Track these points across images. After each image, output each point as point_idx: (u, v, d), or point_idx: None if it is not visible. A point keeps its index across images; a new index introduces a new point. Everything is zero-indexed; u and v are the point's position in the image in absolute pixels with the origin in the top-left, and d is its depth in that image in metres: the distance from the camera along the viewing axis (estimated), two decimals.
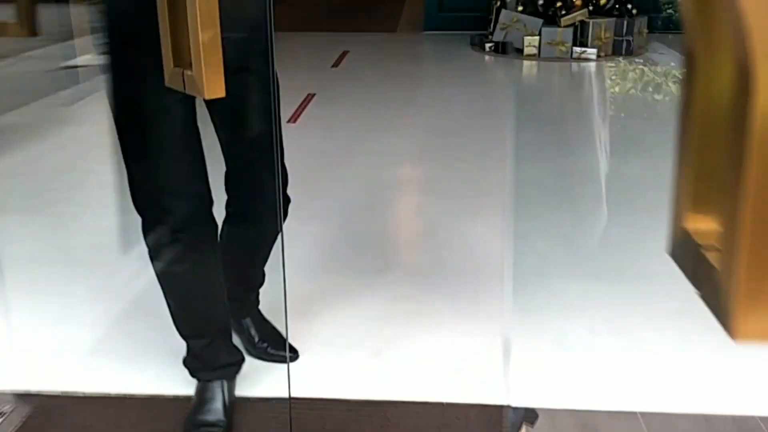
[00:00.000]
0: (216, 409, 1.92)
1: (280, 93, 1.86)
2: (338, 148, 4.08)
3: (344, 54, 6.45)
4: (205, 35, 1.29)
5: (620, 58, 6.31)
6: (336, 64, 6.12)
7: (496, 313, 2.42)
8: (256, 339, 2.17)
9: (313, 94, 5.06)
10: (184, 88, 1.35)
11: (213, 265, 1.87)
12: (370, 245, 2.95)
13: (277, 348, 2.17)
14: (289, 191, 2.05)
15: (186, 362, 1.98)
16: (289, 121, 4.50)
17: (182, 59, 1.35)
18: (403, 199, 3.45)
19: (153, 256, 1.82)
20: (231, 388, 1.98)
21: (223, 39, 1.67)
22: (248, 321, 2.18)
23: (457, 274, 2.69)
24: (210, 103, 1.78)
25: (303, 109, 4.73)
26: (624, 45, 6.43)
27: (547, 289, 2.56)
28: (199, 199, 1.79)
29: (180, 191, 1.76)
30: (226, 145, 1.88)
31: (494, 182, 3.58)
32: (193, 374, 1.98)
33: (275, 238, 2.07)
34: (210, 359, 1.95)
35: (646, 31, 6.68)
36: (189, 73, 1.32)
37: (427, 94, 5.40)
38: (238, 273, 2.10)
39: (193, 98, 1.69)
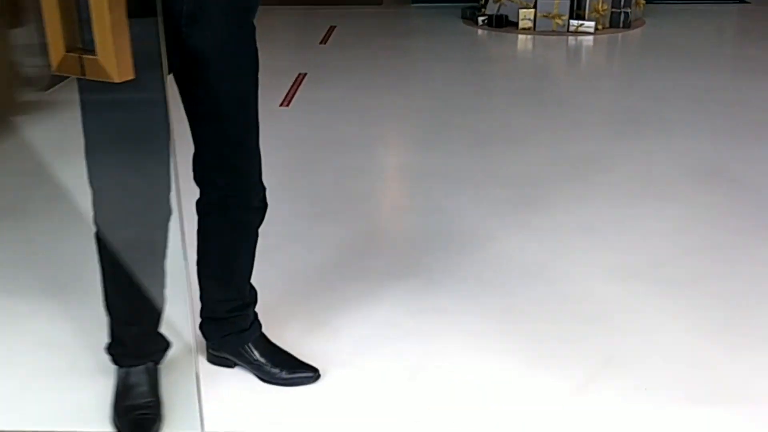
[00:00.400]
0: (143, 392, 1.80)
1: (260, 70, 1.75)
2: (337, 134, 3.82)
3: (331, 29, 6.14)
4: (114, 15, 1.21)
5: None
6: (324, 41, 5.82)
7: (523, 326, 2.21)
8: (267, 365, 1.93)
9: (305, 74, 4.77)
10: (83, 74, 1.27)
11: (161, 246, 1.71)
12: (385, 246, 2.71)
13: (293, 370, 1.94)
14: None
15: (110, 348, 1.84)
16: (281, 104, 4.22)
17: (74, 44, 1.26)
18: (414, 192, 3.20)
19: (100, 228, 1.68)
20: (157, 372, 1.87)
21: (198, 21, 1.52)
22: (250, 347, 1.95)
23: (481, 279, 2.47)
24: (180, 85, 1.68)
25: (295, 91, 4.45)
26: (622, 17, 6.21)
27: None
28: (158, 177, 1.63)
29: (141, 166, 1.61)
30: (195, 126, 1.74)
31: (506, 170, 3.35)
32: (116, 360, 1.84)
33: (256, 233, 1.90)
34: (137, 347, 1.84)
35: (643, 2, 6.46)
36: (90, 57, 1.24)
37: (421, 72, 5.13)
38: (222, 280, 1.91)
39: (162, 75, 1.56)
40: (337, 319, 2.21)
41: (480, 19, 6.34)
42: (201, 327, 1.98)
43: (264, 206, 1.86)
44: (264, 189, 1.84)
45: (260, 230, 1.90)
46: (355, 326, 2.17)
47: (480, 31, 6.25)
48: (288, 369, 1.92)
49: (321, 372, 1.94)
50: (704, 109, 4.20)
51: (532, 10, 6.12)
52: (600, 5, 6.13)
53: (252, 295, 1.97)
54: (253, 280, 1.96)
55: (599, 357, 2.04)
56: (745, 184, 3.18)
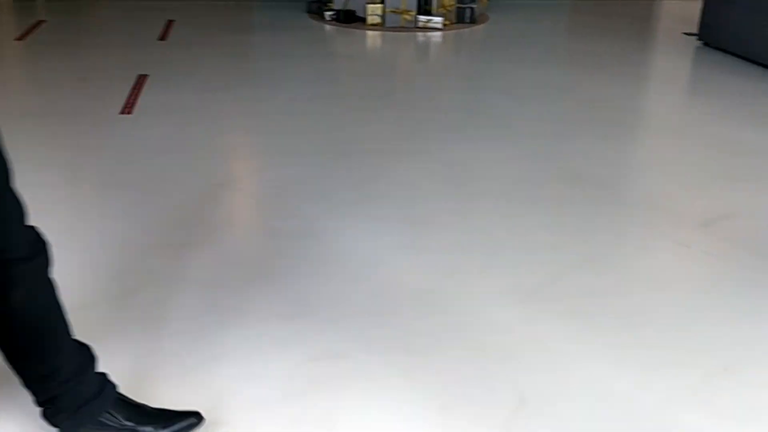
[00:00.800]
0: None
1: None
2: (189, 144, 3.45)
3: (170, 24, 5.67)
4: None
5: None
6: (163, 37, 5.35)
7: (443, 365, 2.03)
8: (138, 427, 1.63)
9: (146, 75, 4.32)
10: None
11: None
12: (261, 278, 2.42)
13: (171, 421, 1.66)
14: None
15: None
16: (122, 112, 3.78)
17: None
18: (283, 212, 2.92)
19: None
20: None
21: None
22: (112, 414, 1.63)
23: (374, 312, 2.26)
24: None
25: (137, 96, 4.01)
26: (468, 13, 6.20)
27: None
28: None
29: None
30: None
31: (377, 184, 3.16)
32: None
33: (47, 280, 1.54)
34: None
35: None
36: None
37: (271, 72, 4.81)
38: (32, 352, 1.55)
39: None
40: (219, 377, 1.91)
41: (327, 14, 6.11)
42: (44, 416, 1.62)
43: (39, 248, 1.51)
44: (32, 229, 1.50)
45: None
46: (241, 385, 1.89)
47: (328, 27, 6.02)
48: (164, 422, 1.64)
49: None
50: (558, 107, 4.23)
51: (380, 6, 5.97)
52: (447, 0, 6.09)
53: (84, 354, 1.63)
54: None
55: (511, 398, 1.89)
56: (610, 187, 3.17)
